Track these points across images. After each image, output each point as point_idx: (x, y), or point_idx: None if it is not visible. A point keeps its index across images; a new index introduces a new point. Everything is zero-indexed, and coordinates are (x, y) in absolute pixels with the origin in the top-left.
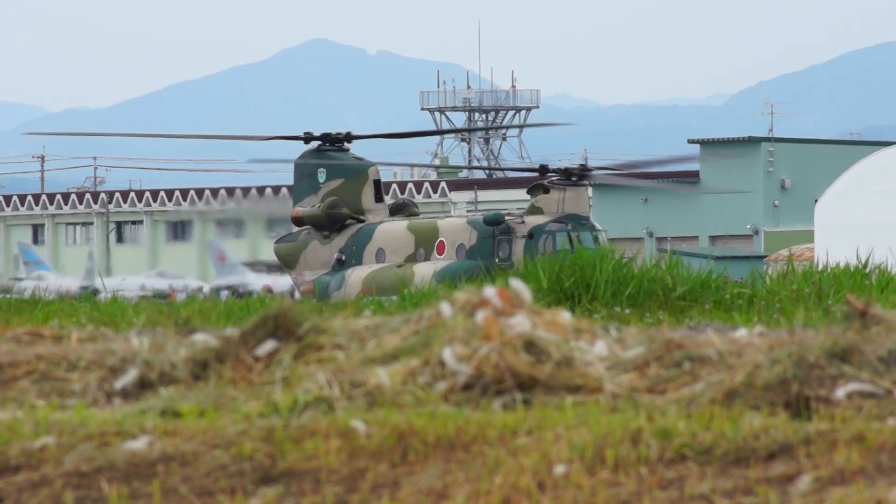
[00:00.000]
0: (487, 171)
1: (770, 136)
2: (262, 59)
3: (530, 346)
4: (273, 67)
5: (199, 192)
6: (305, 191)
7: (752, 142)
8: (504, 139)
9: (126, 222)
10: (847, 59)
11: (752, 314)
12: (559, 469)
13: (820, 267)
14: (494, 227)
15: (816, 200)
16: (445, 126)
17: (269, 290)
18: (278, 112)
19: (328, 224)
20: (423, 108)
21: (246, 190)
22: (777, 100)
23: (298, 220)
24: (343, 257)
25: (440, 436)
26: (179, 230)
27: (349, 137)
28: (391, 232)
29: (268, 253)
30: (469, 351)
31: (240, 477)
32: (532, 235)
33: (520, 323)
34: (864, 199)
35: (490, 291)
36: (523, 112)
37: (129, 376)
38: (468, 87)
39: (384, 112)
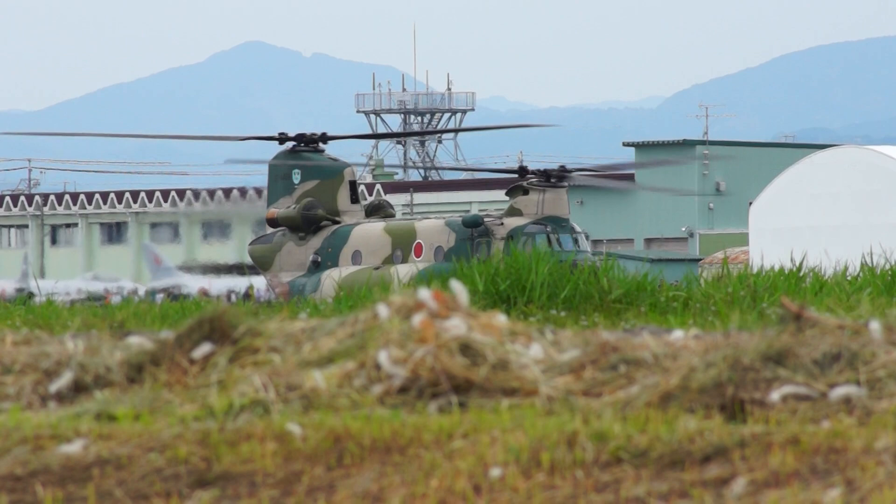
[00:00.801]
0: (426, 173)
1: (705, 138)
2: (197, 62)
3: (466, 348)
4: (207, 70)
5: (134, 195)
6: (280, 192)
7: (687, 144)
8: (440, 141)
9: (61, 225)
10: (780, 63)
11: (688, 317)
12: (495, 472)
13: (755, 270)
14: (473, 229)
15: (751, 203)
16: (381, 128)
17: (204, 292)
18: (213, 115)
19: (304, 225)
20: (358, 111)
21: (181, 192)
22: (711, 103)
23: (273, 222)
24: (319, 259)
25: (376, 439)
26: (114, 232)
27: (324, 138)
28: (368, 233)
29: (204, 256)
30: (405, 354)
31: (175, 480)
32: (511, 237)
33: (455, 326)
34: (798, 202)
35: (426, 294)
36: (458, 114)
37: (64, 379)
38: (403, 89)
39: (320, 115)
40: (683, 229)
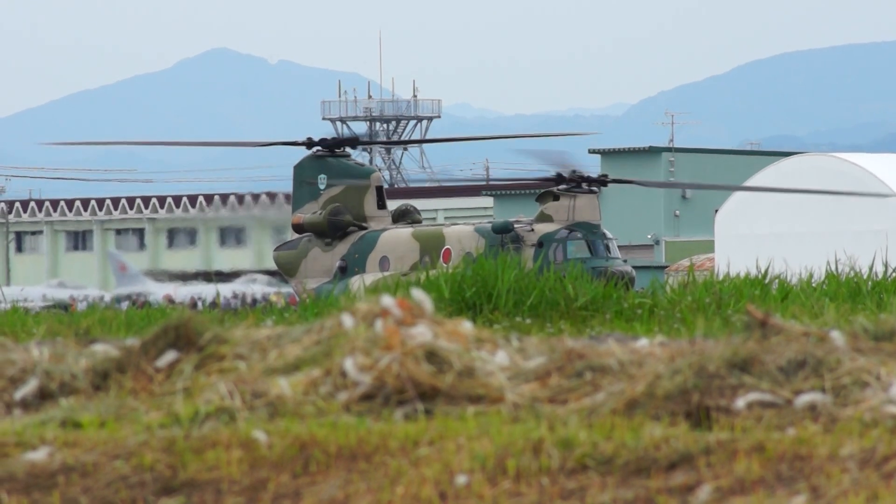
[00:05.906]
0: (391, 179)
1: (671, 145)
2: (163, 69)
3: (432, 355)
4: (173, 77)
5: (100, 202)
6: (305, 197)
7: (653, 152)
8: (405, 149)
9: (26, 232)
10: (746, 70)
11: (653, 324)
12: (461, 479)
13: (720, 277)
14: (503, 235)
15: (717, 210)
16: (346, 134)
17: (170, 299)
18: (178, 122)
19: (330, 231)
20: (324, 118)
21: (146, 200)
22: (677, 110)
23: (299, 227)
24: (345, 265)
25: (342, 446)
26: (80, 240)
27: (353, 142)
28: (395, 239)
29: (168, 263)
30: (370, 361)
31: (140, 488)
32: (542, 244)
33: (421, 333)
34: (763, 210)
35: (390, 301)
36: (424, 122)
37: (29, 387)
38: (369, 96)
39: (286, 122)
40: (649, 237)
